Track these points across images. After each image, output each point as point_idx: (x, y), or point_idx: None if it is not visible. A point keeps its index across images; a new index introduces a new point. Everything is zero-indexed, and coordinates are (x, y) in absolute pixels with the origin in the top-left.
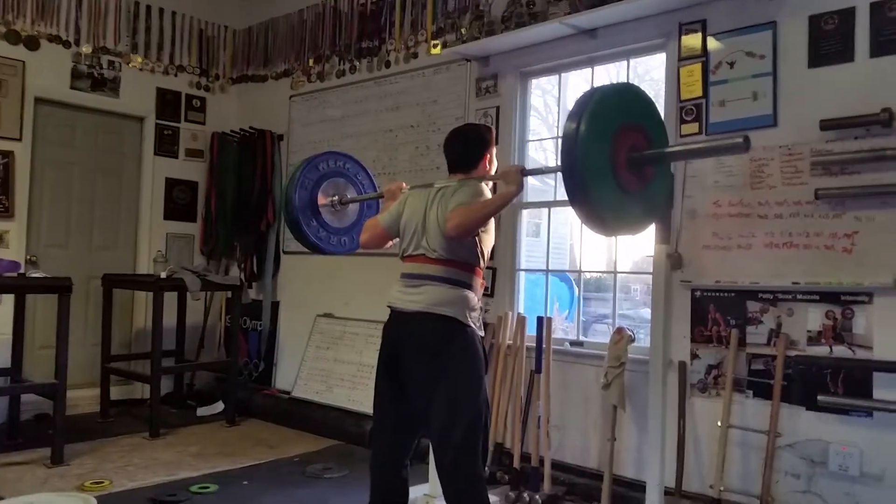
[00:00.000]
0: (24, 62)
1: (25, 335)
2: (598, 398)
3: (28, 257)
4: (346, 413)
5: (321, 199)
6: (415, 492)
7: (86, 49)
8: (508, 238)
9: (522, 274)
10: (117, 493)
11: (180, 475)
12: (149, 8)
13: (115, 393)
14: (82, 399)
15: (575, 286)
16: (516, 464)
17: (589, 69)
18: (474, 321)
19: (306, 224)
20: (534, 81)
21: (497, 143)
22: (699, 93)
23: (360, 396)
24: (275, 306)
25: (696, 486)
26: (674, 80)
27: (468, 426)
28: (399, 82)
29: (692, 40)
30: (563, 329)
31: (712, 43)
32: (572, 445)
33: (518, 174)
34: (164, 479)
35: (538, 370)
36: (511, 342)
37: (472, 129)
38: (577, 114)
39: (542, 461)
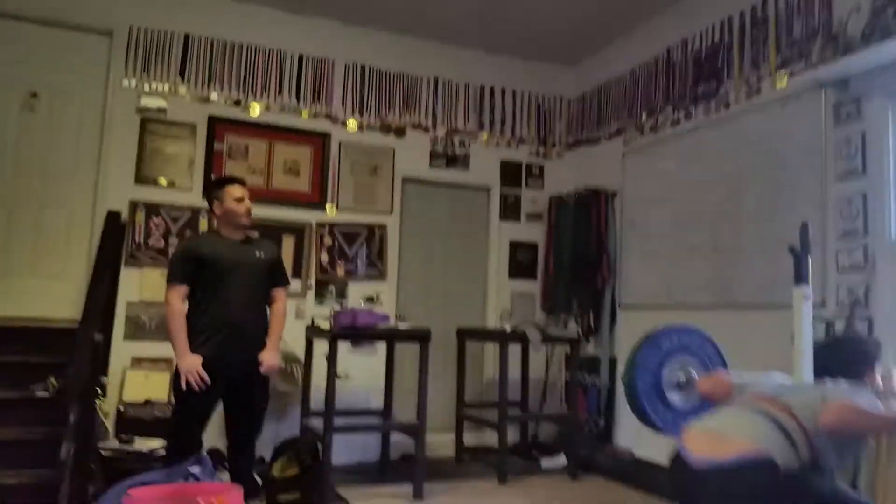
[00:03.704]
0: (394, 148)
1: (395, 381)
2: None
3: (397, 314)
4: None
5: (665, 380)
6: None
7: (441, 132)
8: (885, 281)
9: None
10: None
11: None
12: (492, 90)
13: (469, 439)
14: (441, 443)
15: None
16: None
17: None
18: None
19: (653, 410)
20: None
21: (865, 173)
22: None
23: None
24: (612, 362)
25: None
26: None
27: None
28: (740, 122)
29: None
30: None
31: None
32: None
33: None
34: None
35: None
36: None
37: (853, 342)
38: None
39: None
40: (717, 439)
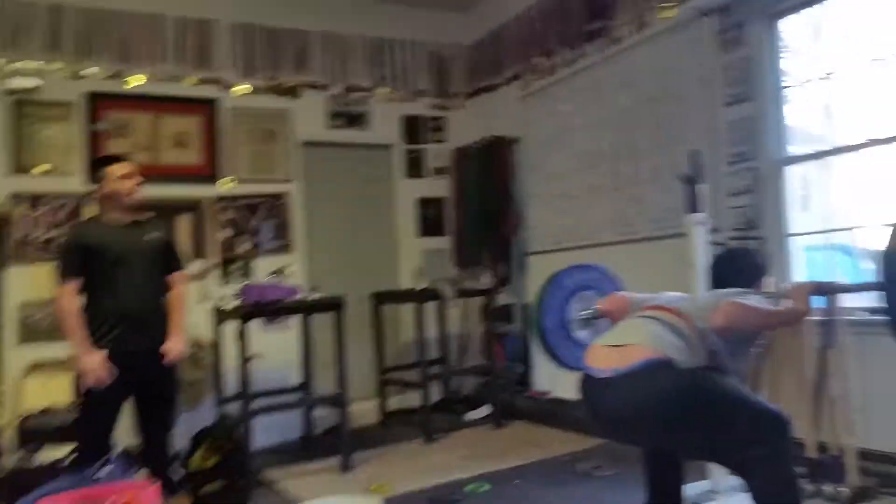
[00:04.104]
0: (289, 110)
1: (313, 356)
2: None
3: (310, 285)
4: None
5: (571, 317)
6: (695, 489)
7: (337, 90)
8: (772, 201)
9: (793, 241)
10: (400, 495)
11: (455, 476)
12: (387, 42)
13: (394, 403)
14: (365, 411)
15: (858, 256)
16: (811, 453)
17: None
18: None
19: (560, 347)
20: (782, 22)
21: (751, 100)
22: None
23: None
24: (525, 309)
25: None
26: None
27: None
28: (631, 57)
29: None
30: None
31: None
32: (884, 431)
33: (808, 293)
34: (441, 481)
35: (829, 344)
36: None
37: (745, 255)
38: None
39: (843, 450)
40: (618, 350)
